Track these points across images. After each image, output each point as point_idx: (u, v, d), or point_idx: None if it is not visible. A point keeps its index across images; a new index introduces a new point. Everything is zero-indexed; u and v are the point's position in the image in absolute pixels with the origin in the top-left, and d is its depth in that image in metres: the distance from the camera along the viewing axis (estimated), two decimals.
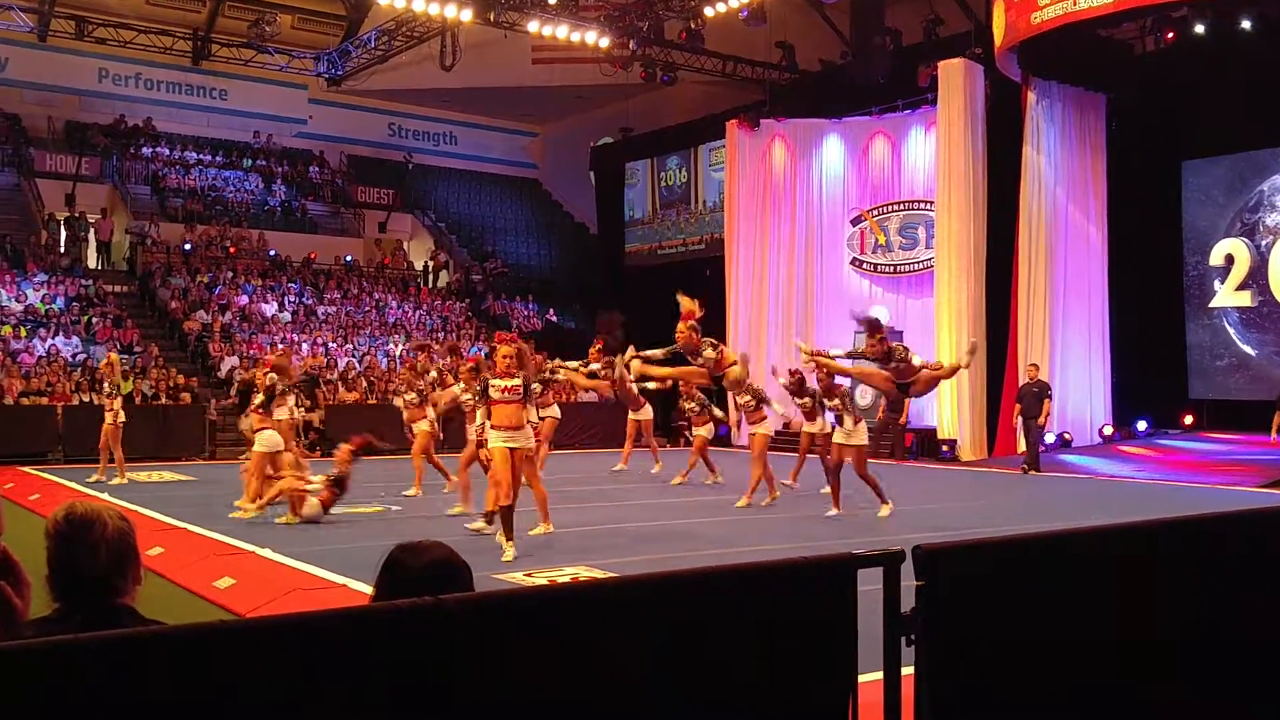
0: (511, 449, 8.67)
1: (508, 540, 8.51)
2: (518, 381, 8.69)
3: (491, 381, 8.84)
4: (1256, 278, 18.97)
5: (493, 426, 8.84)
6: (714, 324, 23.09)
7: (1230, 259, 19.30)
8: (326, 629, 1.95)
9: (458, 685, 2.02)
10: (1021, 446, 17.17)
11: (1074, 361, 19.42)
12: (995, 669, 2.74)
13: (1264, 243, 18.89)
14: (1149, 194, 19.70)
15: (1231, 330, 19.40)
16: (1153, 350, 19.59)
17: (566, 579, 7.55)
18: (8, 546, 2.44)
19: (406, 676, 1.96)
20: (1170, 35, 18.11)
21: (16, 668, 1.67)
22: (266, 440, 10.97)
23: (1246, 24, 16.75)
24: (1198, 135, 18.97)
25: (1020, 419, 16.89)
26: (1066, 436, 19.01)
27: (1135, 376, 19.52)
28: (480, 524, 9.64)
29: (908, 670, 2.55)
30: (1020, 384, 17.29)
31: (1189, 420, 19.62)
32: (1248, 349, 19.19)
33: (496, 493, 8.75)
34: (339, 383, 21.50)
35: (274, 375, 11.45)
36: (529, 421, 9.06)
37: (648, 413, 15.63)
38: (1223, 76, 17.48)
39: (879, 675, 2.53)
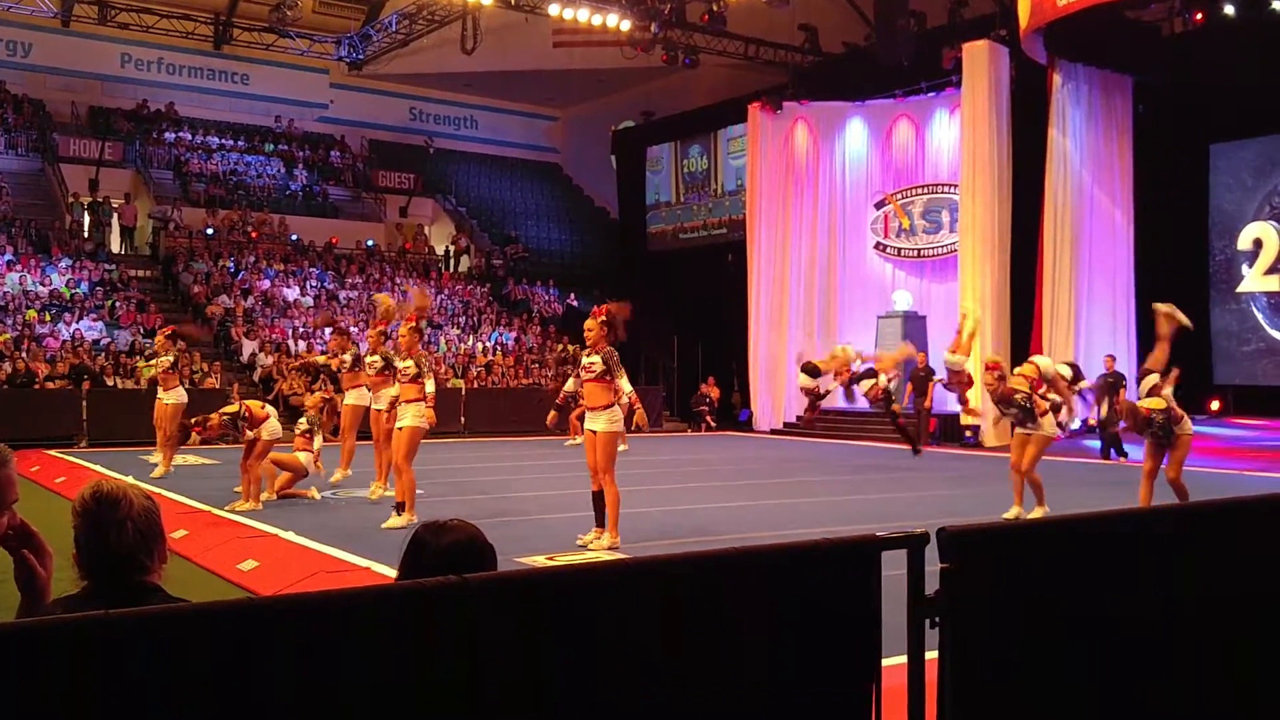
0: (593, 432, 8.33)
1: (597, 528, 8.31)
2: (597, 359, 8.22)
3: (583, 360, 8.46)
4: None
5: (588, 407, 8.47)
6: (736, 307, 23.22)
7: (1258, 243, 19.12)
8: (351, 608, 1.95)
9: (481, 664, 2.02)
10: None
11: (1098, 346, 19.27)
12: (1020, 653, 2.73)
13: None
14: (1176, 177, 19.52)
15: (1259, 315, 19.23)
16: (1178, 335, 19.41)
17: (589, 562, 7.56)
18: (25, 519, 2.45)
19: (430, 655, 1.96)
20: (1199, 16, 17.88)
21: (47, 644, 1.68)
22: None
23: (1277, 5, 16.53)
24: (1226, 118, 18.77)
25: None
26: (1091, 421, 18.88)
27: None
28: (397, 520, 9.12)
29: (931, 654, 2.54)
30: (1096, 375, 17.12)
31: (1215, 406, 19.48)
32: (1276, 334, 19.02)
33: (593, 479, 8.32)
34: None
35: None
36: (611, 404, 8.26)
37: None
38: (1252, 58, 17.25)
39: (903, 659, 2.52)
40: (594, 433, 8.31)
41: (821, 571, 2.54)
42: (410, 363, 9.26)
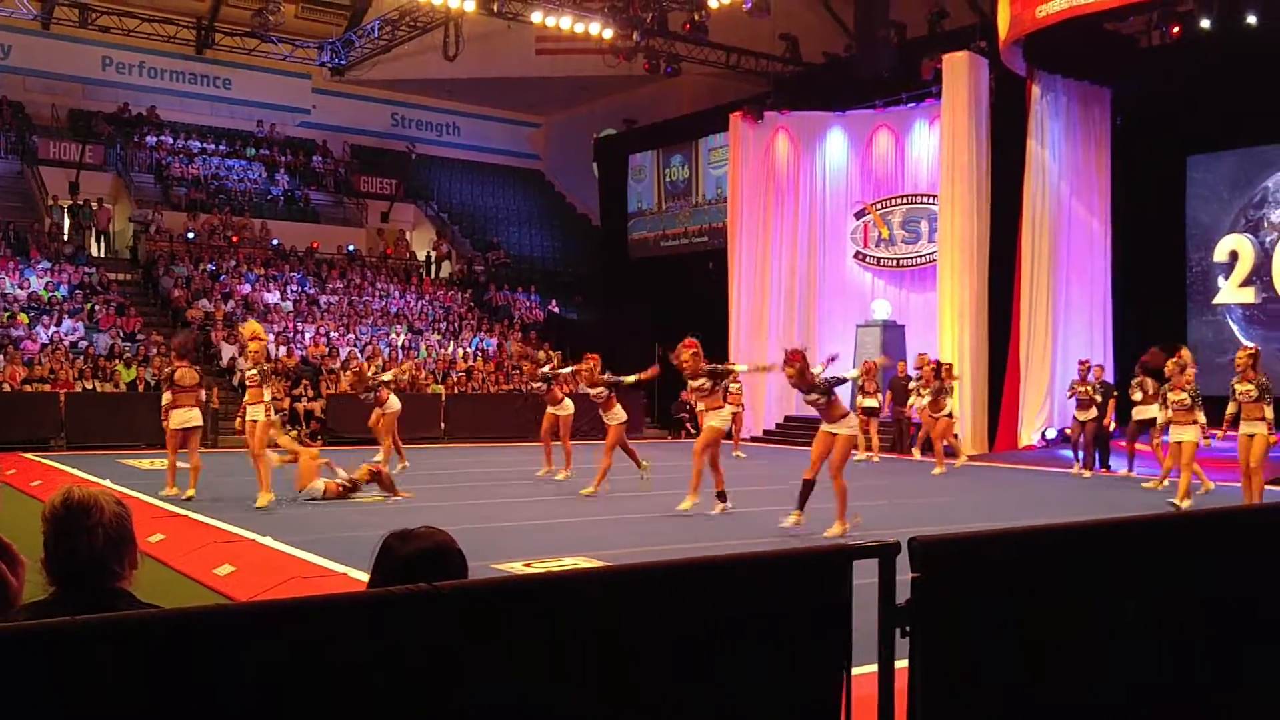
0: (831, 434, 9.75)
1: (798, 511, 9.67)
2: (816, 394, 9.71)
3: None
4: (1260, 274, 18.92)
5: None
6: (716, 315, 23.23)
7: (1234, 255, 19.25)
8: (321, 613, 1.95)
9: (453, 671, 2.03)
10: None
11: (1076, 356, 19.37)
12: (990, 662, 2.74)
13: (1268, 239, 18.83)
14: (1153, 189, 19.64)
15: (1235, 327, 19.37)
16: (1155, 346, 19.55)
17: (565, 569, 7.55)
18: None
19: (402, 661, 1.96)
20: (1175, 29, 18.04)
21: (13, 650, 1.67)
22: None
23: (1252, 19, 16.68)
24: (1203, 130, 18.88)
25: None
26: (1069, 432, 18.98)
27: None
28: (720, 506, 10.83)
29: (902, 663, 2.56)
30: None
31: None
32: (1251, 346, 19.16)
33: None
34: (340, 372, 21.53)
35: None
36: (842, 415, 9.88)
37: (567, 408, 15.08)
38: (1228, 71, 17.40)
39: (873, 667, 2.53)
40: (833, 435, 9.75)
41: (793, 580, 2.56)
42: (703, 380, 11.03)
